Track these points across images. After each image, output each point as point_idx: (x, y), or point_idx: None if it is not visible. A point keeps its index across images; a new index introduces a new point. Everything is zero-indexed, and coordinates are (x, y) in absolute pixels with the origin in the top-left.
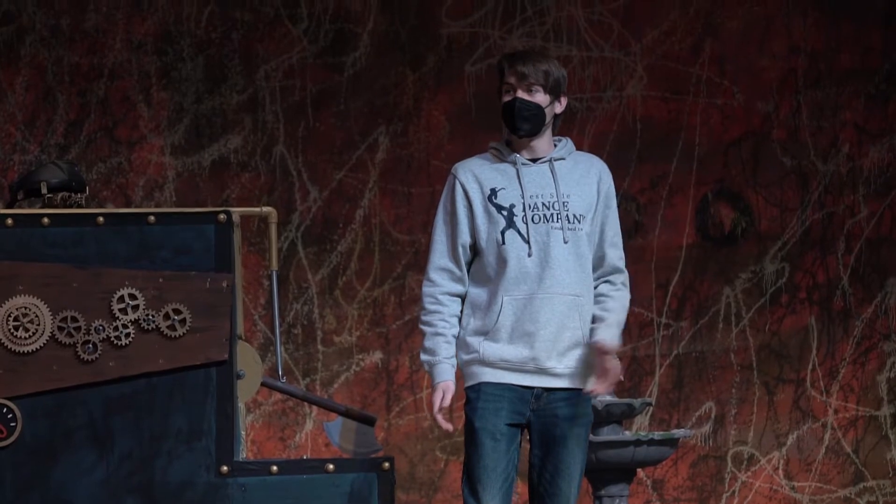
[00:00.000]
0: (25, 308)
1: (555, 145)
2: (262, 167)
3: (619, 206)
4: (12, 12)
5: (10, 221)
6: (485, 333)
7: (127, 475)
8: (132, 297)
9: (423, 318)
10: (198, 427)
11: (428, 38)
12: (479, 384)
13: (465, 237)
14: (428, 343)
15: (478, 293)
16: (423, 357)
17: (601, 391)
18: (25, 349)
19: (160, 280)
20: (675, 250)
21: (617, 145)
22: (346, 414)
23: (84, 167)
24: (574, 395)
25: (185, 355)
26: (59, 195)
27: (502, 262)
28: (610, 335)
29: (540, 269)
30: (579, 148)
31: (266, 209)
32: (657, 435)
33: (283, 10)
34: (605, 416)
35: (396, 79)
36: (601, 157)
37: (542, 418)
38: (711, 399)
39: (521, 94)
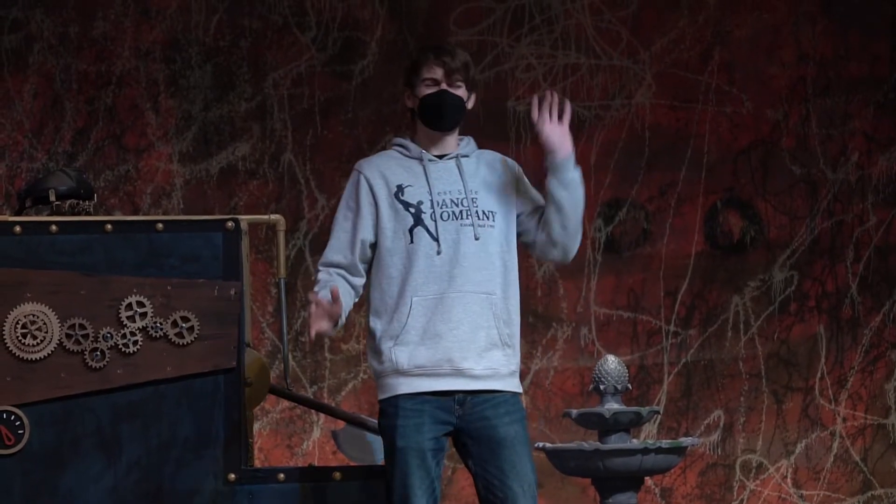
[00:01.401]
0: (33, 315)
1: (458, 142)
2: (271, 175)
3: (627, 214)
4: (21, 20)
5: (18, 229)
6: (395, 337)
7: (135, 483)
8: (140, 304)
9: (317, 286)
10: (206, 435)
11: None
12: (396, 397)
13: (366, 234)
14: (321, 283)
15: (383, 296)
16: (314, 289)
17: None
18: (33, 356)
19: (168, 288)
20: (684, 258)
21: (625, 153)
22: (354, 422)
23: (92, 175)
24: (499, 396)
25: (193, 363)
26: (68, 203)
27: (410, 260)
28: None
29: (450, 266)
30: (587, 157)
31: (274, 217)
32: (665, 443)
33: (291, 18)
34: (613, 425)
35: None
36: (609, 166)
37: (473, 423)
38: (720, 407)
39: (445, 87)
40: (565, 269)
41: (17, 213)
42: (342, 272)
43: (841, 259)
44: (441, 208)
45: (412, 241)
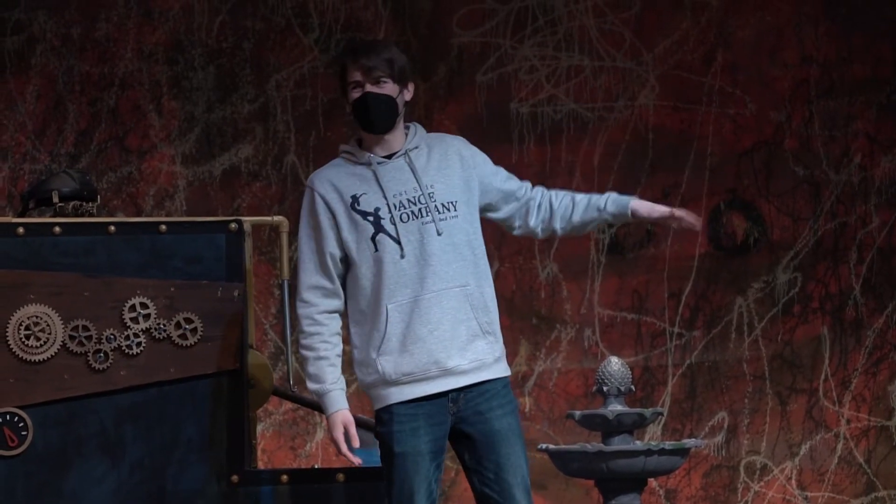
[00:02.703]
0: (37, 317)
1: (405, 135)
2: (274, 176)
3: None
4: (23, 21)
5: (21, 230)
6: (377, 348)
7: (138, 484)
8: (143, 305)
9: (303, 341)
10: (209, 436)
11: (439, 48)
12: (390, 406)
13: (333, 248)
14: (312, 369)
15: (359, 308)
16: (311, 386)
17: (686, 218)
18: (37, 358)
19: (171, 289)
20: (688, 260)
21: (629, 155)
22: (357, 423)
23: (94, 176)
24: (489, 388)
25: (197, 364)
26: (71, 204)
27: (378, 268)
28: (626, 200)
29: (418, 268)
30: (590, 159)
31: (277, 218)
32: (668, 444)
33: (294, 19)
34: (616, 426)
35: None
36: (613, 168)
37: (467, 419)
38: (724, 409)
39: (369, 87)
40: (569, 270)
41: (21, 215)
42: (329, 314)
43: (844, 261)
44: (399, 210)
45: (377, 249)
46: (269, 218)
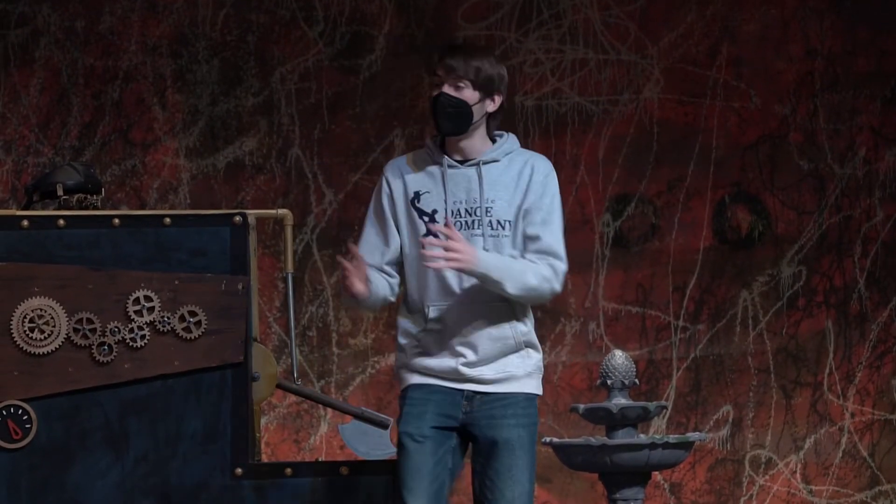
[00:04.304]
0: (41, 310)
1: (492, 144)
2: (278, 170)
3: (635, 209)
4: (27, 14)
5: (25, 223)
6: (412, 338)
7: (142, 477)
8: (147, 298)
9: None
10: (213, 429)
11: (444, 41)
12: (407, 388)
13: (390, 236)
14: None
15: (407, 296)
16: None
17: (438, 264)
18: (41, 351)
19: (176, 282)
20: (692, 253)
21: (634, 148)
22: (361, 417)
23: (98, 169)
24: (511, 397)
25: (201, 357)
26: (75, 197)
27: (423, 268)
28: (486, 256)
29: (459, 278)
30: (595, 152)
31: (281, 211)
32: (672, 438)
33: (298, 12)
34: (620, 420)
35: (412, 81)
36: (617, 161)
37: (479, 421)
38: (729, 402)
39: (447, 88)
40: (573, 264)
41: (25, 208)
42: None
43: (848, 254)
44: (455, 218)
45: (424, 249)
46: (273, 211)
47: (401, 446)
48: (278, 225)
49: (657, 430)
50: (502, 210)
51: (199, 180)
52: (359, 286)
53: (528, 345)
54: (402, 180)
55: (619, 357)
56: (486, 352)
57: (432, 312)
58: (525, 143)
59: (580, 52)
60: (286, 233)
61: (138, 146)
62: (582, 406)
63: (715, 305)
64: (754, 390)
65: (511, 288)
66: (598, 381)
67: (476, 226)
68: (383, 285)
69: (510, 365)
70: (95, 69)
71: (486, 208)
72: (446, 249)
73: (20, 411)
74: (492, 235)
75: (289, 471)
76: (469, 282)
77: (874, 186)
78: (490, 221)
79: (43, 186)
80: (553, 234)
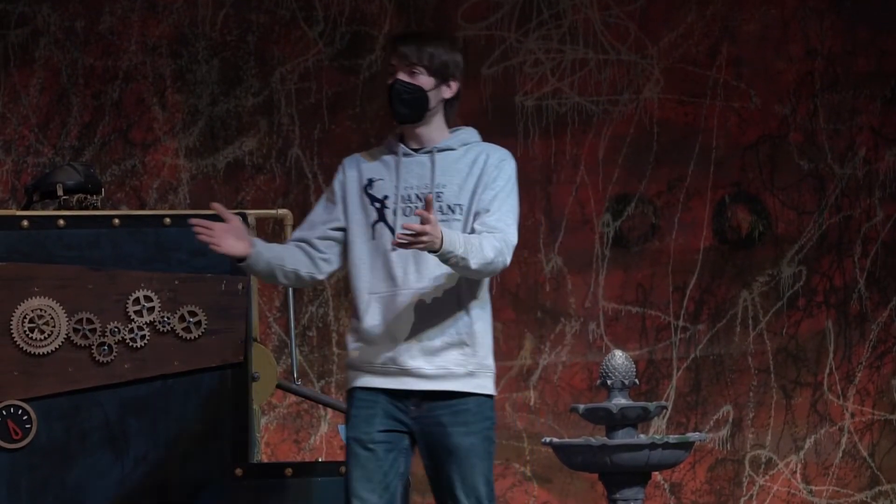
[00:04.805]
0: (41, 310)
1: (448, 134)
2: (278, 170)
3: (635, 209)
4: (27, 14)
5: (25, 223)
6: (356, 331)
7: (142, 477)
8: (147, 298)
9: None
10: (213, 429)
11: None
12: (353, 389)
13: (332, 218)
14: None
15: (352, 290)
16: None
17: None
18: (41, 351)
19: (175, 282)
20: (693, 253)
21: (634, 148)
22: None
23: (98, 169)
24: (460, 402)
25: (201, 357)
26: (75, 197)
27: (371, 256)
28: (448, 231)
29: (405, 264)
30: (595, 152)
31: (282, 211)
32: (672, 438)
33: (298, 12)
34: (620, 420)
35: None
36: (617, 161)
37: (426, 428)
38: (729, 402)
39: (402, 75)
40: (573, 264)
41: (25, 208)
42: (299, 244)
43: (848, 254)
44: (405, 203)
45: (374, 237)
46: (273, 211)
47: (350, 453)
48: (278, 225)
49: (657, 430)
50: (452, 195)
51: (199, 180)
52: (230, 243)
53: (474, 341)
54: (357, 169)
55: (619, 357)
56: (427, 343)
57: (373, 302)
58: (525, 143)
59: (580, 52)
60: (286, 233)
61: (138, 146)
62: (582, 406)
63: (715, 305)
64: (754, 390)
65: (474, 263)
66: (598, 382)
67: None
68: (295, 256)
69: (450, 360)
70: (95, 69)
71: (437, 193)
72: (421, 234)
73: (20, 411)
74: (442, 220)
75: (289, 471)
76: (415, 270)
77: (874, 186)
78: (440, 206)
79: (43, 186)
80: (503, 211)
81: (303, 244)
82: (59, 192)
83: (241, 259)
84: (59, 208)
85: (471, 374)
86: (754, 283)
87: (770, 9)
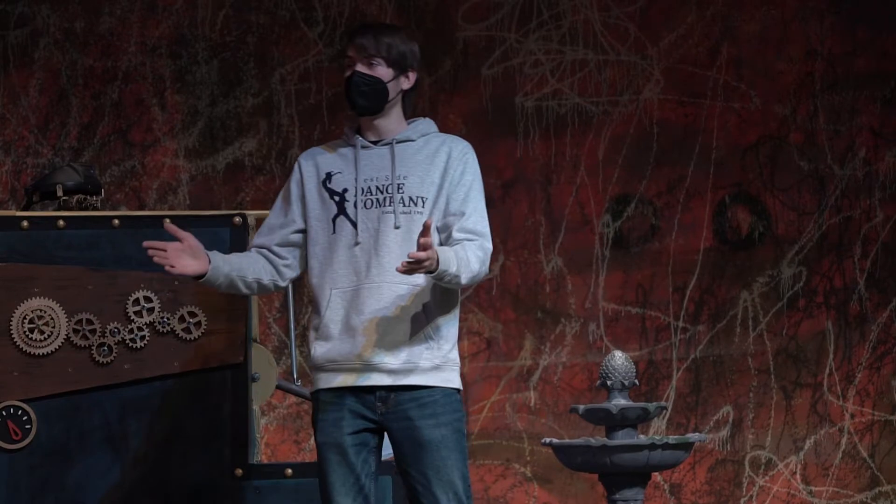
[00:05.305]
0: (41, 310)
1: (407, 125)
2: (277, 170)
3: (635, 210)
4: (26, 15)
5: (25, 224)
6: (317, 329)
7: (142, 477)
8: (147, 299)
9: None
10: (212, 430)
11: (444, 42)
12: (318, 392)
13: (291, 219)
14: None
15: (311, 288)
16: None
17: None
18: (41, 351)
19: (175, 283)
20: (693, 254)
21: (634, 149)
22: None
23: (98, 170)
24: (426, 395)
25: (201, 358)
26: (75, 198)
27: (331, 251)
28: (441, 250)
29: (368, 257)
30: (595, 152)
31: None
32: (672, 439)
33: (298, 13)
34: (620, 420)
35: None
36: (617, 162)
37: (397, 422)
38: (729, 403)
39: (359, 67)
40: (574, 264)
41: (25, 209)
42: (261, 250)
43: (848, 255)
44: (365, 196)
45: (334, 231)
46: None
47: (322, 458)
48: None
49: (657, 430)
50: (415, 186)
51: (199, 181)
52: (184, 262)
53: (439, 335)
54: (314, 164)
55: (618, 358)
56: (391, 337)
57: (335, 297)
58: (525, 144)
59: (580, 53)
60: None
61: (138, 147)
62: (582, 407)
63: (715, 306)
64: (754, 391)
65: (465, 278)
66: (598, 382)
67: (388, 203)
68: (257, 265)
69: (415, 354)
70: (95, 70)
71: (398, 185)
72: (422, 262)
73: (20, 412)
74: (403, 212)
75: (289, 471)
76: (378, 264)
77: (874, 187)
78: (402, 198)
79: (43, 187)
80: (478, 212)
81: (263, 251)
82: (59, 193)
83: (199, 276)
84: (58, 209)
85: (437, 368)
86: (754, 283)
87: (770, 9)
